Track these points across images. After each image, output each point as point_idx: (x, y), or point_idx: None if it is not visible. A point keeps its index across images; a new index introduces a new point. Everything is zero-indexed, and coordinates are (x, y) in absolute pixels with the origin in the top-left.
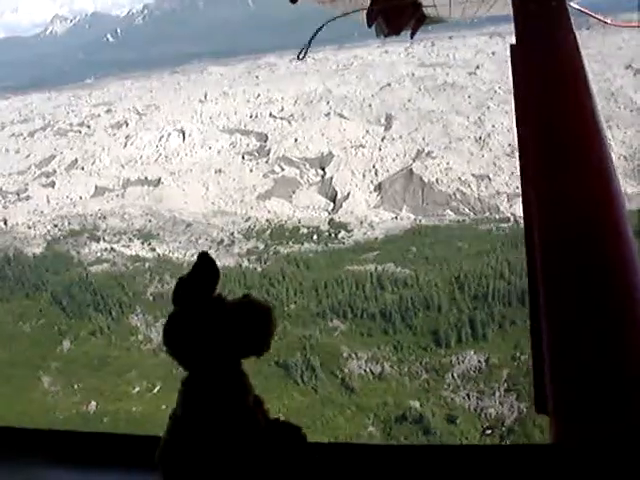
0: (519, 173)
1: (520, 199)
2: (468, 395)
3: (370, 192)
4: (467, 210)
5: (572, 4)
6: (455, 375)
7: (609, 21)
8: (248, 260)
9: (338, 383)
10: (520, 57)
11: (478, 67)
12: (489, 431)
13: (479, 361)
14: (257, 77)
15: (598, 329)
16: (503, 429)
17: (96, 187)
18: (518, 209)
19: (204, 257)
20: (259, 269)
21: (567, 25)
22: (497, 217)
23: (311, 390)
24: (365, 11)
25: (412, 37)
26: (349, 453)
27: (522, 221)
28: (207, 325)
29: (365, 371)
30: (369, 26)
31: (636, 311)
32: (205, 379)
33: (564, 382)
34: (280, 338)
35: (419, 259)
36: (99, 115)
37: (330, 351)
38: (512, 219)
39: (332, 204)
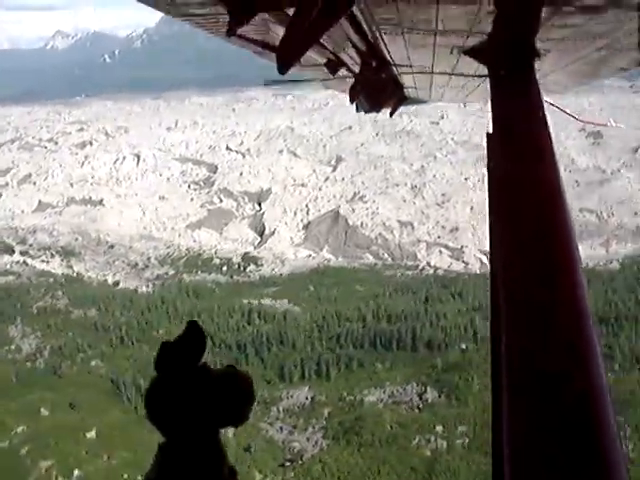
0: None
1: (436, 249)
2: (281, 428)
3: (298, 230)
4: (386, 255)
5: (547, 100)
6: (280, 409)
7: (579, 117)
8: (147, 285)
9: None
10: (495, 145)
11: (442, 117)
12: (288, 463)
13: (306, 397)
14: (233, 110)
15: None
16: (301, 462)
17: (39, 202)
18: (433, 257)
19: (193, 326)
20: (153, 294)
21: (542, 118)
22: (409, 264)
23: (132, 409)
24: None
25: (391, 115)
26: None
27: (429, 269)
28: (190, 394)
29: None
30: (351, 101)
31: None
32: (182, 446)
33: (522, 458)
34: (127, 359)
35: (312, 298)
36: (70, 133)
37: None
38: (421, 266)
39: (260, 238)
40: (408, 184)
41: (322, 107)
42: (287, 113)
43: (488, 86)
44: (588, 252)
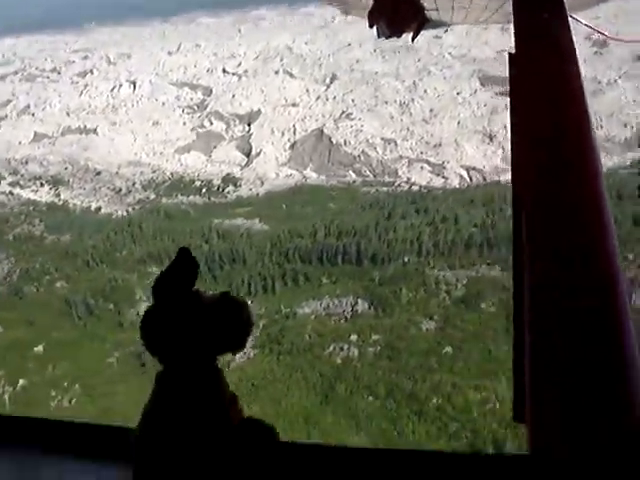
0: (511, 181)
1: (418, 165)
2: None
3: (285, 150)
4: (368, 172)
5: (574, 16)
6: None
7: (612, 36)
8: (127, 210)
9: (113, 322)
10: (518, 65)
11: (447, 30)
12: None
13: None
14: (239, 30)
15: (581, 343)
16: (227, 370)
17: (35, 133)
18: (414, 173)
19: (184, 252)
20: (127, 217)
21: (567, 36)
22: (387, 180)
23: (82, 326)
24: (367, 11)
25: (413, 40)
26: (323, 454)
27: (405, 185)
28: (184, 319)
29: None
30: (370, 26)
31: (620, 324)
32: (180, 374)
33: (544, 392)
34: (88, 280)
35: (282, 216)
36: (74, 62)
37: (127, 294)
38: (398, 183)
39: (247, 159)
40: (397, 101)
41: (327, 25)
42: (290, 32)
43: (511, 2)
44: None
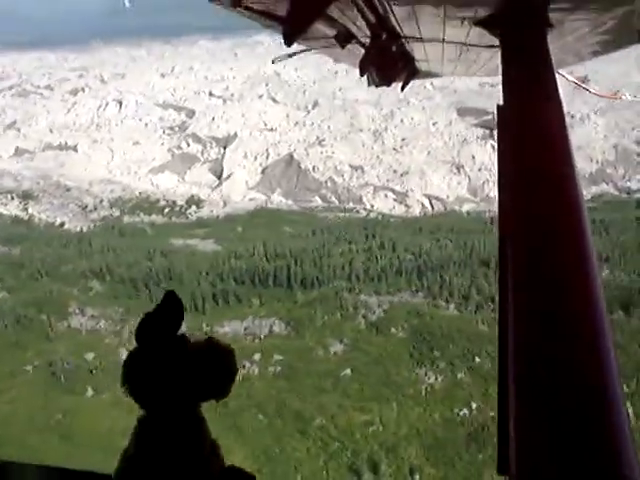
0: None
1: (382, 193)
2: None
3: (256, 174)
4: (333, 198)
5: (560, 72)
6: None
7: (592, 90)
8: (88, 226)
9: (41, 333)
10: (505, 116)
11: None
12: None
13: None
14: (235, 54)
15: (569, 396)
16: None
17: (17, 148)
18: (377, 201)
19: (170, 296)
20: (83, 232)
21: (553, 90)
22: (348, 207)
23: (8, 335)
24: (358, 60)
25: (402, 90)
26: None
27: (364, 212)
28: (168, 364)
29: (80, 324)
30: (361, 75)
31: (607, 374)
32: (161, 420)
33: (531, 444)
34: (30, 292)
35: (236, 238)
36: (69, 79)
37: (61, 307)
38: (358, 209)
39: (218, 181)
40: (371, 129)
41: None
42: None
43: (499, 58)
44: None
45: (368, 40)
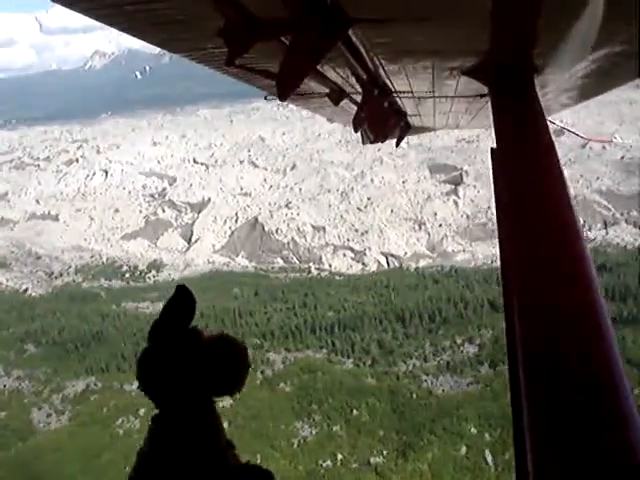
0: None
1: (342, 252)
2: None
3: (224, 237)
4: (295, 259)
5: (550, 119)
6: (59, 396)
7: (584, 136)
8: (50, 292)
9: None
10: (499, 160)
11: None
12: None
13: (86, 386)
14: (231, 121)
15: (582, 424)
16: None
17: (1, 219)
18: (336, 260)
19: (181, 289)
20: (40, 298)
21: (545, 133)
22: (305, 267)
23: None
24: (351, 119)
25: (397, 145)
26: None
27: (316, 271)
28: (181, 358)
29: (3, 385)
30: (355, 132)
31: (616, 383)
32: (176, 417)
33: (547, 463)
34: None
35: None
36: (67, 151)
37: None
38: (310, 269)
39: (187, 245)
40: (339, 189)
41: (315, 116)
42: (275, 123)
43: (490, 106)
44: (488, 251)
45: (360, 97)
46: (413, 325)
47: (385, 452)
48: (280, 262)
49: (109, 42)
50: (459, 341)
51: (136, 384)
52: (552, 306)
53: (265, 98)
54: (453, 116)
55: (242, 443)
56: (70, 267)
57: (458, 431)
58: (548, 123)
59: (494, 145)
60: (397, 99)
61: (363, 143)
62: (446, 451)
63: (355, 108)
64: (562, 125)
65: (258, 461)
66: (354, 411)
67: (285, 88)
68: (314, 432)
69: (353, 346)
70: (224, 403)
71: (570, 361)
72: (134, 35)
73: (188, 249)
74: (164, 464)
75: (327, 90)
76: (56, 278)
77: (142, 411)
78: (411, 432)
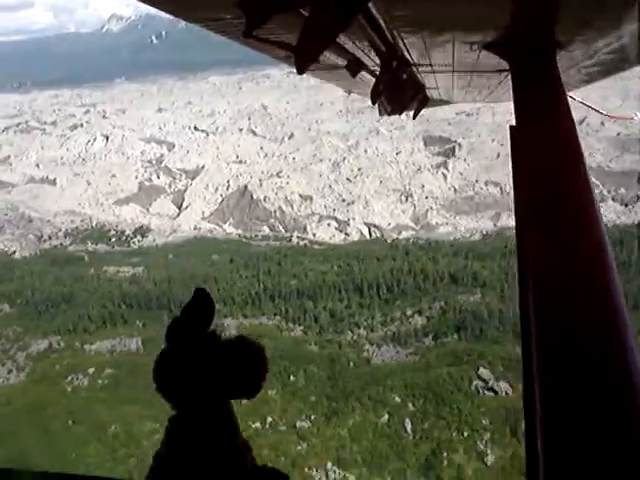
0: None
1: (326, 222)
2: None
3: (214, 204)
4: (281, 228)
5: (571, 95)
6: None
7: (605, 113)
8: (36, 253)
9: None
10: (519, 137)
11: None
12: None
13: (48, 345)
14: (240, 88)
15: (596, 407)
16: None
17: (1, 182)
18: (320, 229)
19: (201, 293)
20: (23, 260)
21: (566, 109)
22: (286, 236)
23: None
24: (369, 89)
25: (414, 118)
26: None
27: (298, 240)
28: (199, 361)
29: None
30: (373, 104)
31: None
32: (193, 419)
33: (559, 456)
34: None
35: (164, 265)
36: (74, 115)
37: None
38: (290, 238)
39: (178, 212)
40: (332, 159)
41: (321, 84)
42: (282, 91)
43: (510, 81)
44: (471, 224)
45: (378, 69)
46: (369, 296)
47: (313, 417)
48: (266, 230)
49: (127, 6)
50: (409, 312)
51: (97, 345)
52: (568, 283)
53: None
54: (472, 90)
55: (156, 400)
56: (60, 231)
57: (383, 400)
58: (569, 99)
59: (512, 123)
60: (415, 72)
61: (380, 114)
62: (368, 418)
63: (373, 80)
64: (582, 101)
65: None
66: (291, 377)
67: (303, 60)
68: None
69: (305, 314)
70: None
71: (585, 338)
72: (150, 4)
73: (178, 215)
74: (181, 466)
75: (345, 62)
76: (45, 241)
77: (91, 370)
78: (340, 399)
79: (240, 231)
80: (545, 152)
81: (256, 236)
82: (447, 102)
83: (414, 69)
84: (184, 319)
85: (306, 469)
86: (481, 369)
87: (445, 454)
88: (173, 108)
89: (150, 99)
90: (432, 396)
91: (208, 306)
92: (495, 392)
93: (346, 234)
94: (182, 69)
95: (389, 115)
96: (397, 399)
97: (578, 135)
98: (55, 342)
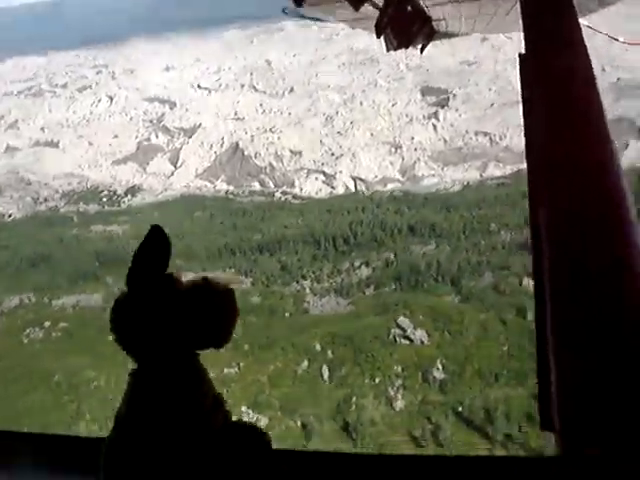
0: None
1: (314, 176)
2: None
3: (208, 162)
4: (271, 183)
5: (583, 21)
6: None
7: (621, 39)
8: (29, 215)
9: None
10: (529, 67)
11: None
12: None
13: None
14: (252, 42)
15: (609, 349)
16: None
17: (7, 146)
18: (308, 184)
19: (155, 230)
20: (17, 220)
21: (578, 36)
22: (272, 191)
23: None
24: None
25: (422, 52)
26: (322, 462)
27: (281, 195)
28: (157, 307)
29: None
30: (378, 37)
31: None
32: (155, 372)
33: (571, 400)
34: None
35: (146, 222)
36: (86, 77)
37: None
38: (274, 193)
39: (174, 170)
40: (326, 113)
41: (330, 38)
42: (291, 45)
43: (519, 9)
44: (457, 175)
45: (383, 1)
46: (324, 248)
47: (242, 364)
48: (257, 186)
49: None
50: (357, 264)
51: (63, 300)
52: (581, 218)
53: (283, 11)
54: (480, 20)
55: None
56: (57, 192)
57: (305, 347)
58: (581, 26)
59: (522, 51)
60: (421, 3)
61: (387, 50)
62: (288, 365)
63: (377, 13)
64: (594, 27)
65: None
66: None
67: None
68: None
69: (256, 267)
70: None
71: (599, 273)
72: None
73: (173, 174)
74: (144, 424)
75: None
76: (40, 203)
77: (47, 323)
78: (268, 347)
79: (231, 187)
80: (556, 79)
81: (243, 192)
82: (455, 34)
83: (420, 1)
84: (138, 260)
85: None
86: (401, 318)
87: (355, 399)
88: (181, 66)
89: (159, 57)
90: (350, 344)
91: (163, 245)
92: (411, 340)
93: (332, 188)
94: (199, 26)
95: (395, 49)
96: (318, 347)
97: (591, 62)
98: (26, 299)
